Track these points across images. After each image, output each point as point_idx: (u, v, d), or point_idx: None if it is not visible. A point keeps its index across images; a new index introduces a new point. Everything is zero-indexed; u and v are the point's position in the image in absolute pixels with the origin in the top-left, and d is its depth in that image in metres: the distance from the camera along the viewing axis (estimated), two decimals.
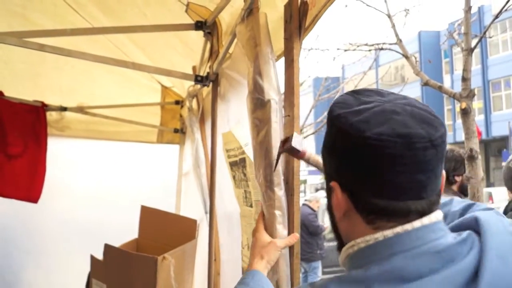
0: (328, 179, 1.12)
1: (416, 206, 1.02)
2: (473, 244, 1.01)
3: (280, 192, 1.68)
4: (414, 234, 1.02)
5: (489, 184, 28.39)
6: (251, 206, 2.16)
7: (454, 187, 3.80)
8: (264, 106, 1.73)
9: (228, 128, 2.49)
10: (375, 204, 1.03)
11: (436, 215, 1.05)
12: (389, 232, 1.02)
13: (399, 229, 1.02)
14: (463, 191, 3.89)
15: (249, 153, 2.03)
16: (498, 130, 28.44)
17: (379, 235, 1.03)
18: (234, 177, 2.46)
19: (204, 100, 3.30)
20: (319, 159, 1.60)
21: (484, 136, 28.56)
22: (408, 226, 1.02)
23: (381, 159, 1.00)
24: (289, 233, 1.68)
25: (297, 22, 1.74)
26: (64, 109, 4.13)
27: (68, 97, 4.08)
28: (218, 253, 3.16)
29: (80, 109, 4.15)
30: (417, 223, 1.02)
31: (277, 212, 1.67)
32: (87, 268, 3.41)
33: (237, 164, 2.34)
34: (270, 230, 1.65)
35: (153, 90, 4.24)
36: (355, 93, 1.13)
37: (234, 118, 2.44)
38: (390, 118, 1.02)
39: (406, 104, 1.05)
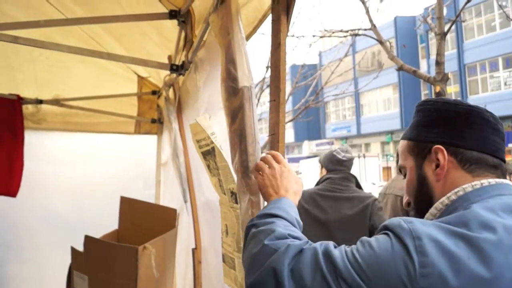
0: (427, 147, 1.40)
1: (501, 165, 1.37)
2: None
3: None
4: (510, 186, 1.33)
5: None
6: (224, 194, 2.18)
7: None
8: (237, 94, 1.75)
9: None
10: (478, 156, 1.35)
11: None
12: (492, 180, 1.33)
13: (499, 180, 1.34)
14: None
15: (217, 142, 2.05)
16: None
17: (485, 181, 1.32)
18: (208, 166, 2.47)
19: (180, 89, 3.30)
20: None
21: None
22: (504, 180, 1.34)
23: (481, 121, 1.37)
24: None
25: (285, 2, 1.72)
26: (40, 101, 4.09)
27: (44, 90, 4.05)
28: (199, 241, 3.18)
29: (56, 102, 4.12)
30: (508, 181, 1.34)
31: (253, 198, 1.70)
32: (68, 260, 3.41)
33: (210, 153, 2.35)
34: (246, 215, 1.68)
35: (129, 81, 4.22)
36: None
37: (203, 107, 2.45)
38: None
39: None
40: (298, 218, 1.47)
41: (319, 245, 1.25)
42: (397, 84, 35.92)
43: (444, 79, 4.98)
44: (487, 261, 1.10)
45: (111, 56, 3.16)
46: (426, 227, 1.15)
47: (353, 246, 1.22)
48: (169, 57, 3.24)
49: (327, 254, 1.21)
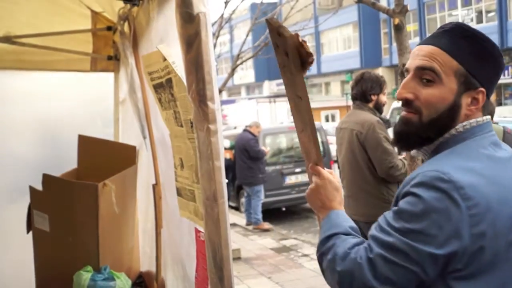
0: (476, 85, 1.52)
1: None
2: None
3: (213, 106, 1.70)
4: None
5: None
6: (181, 126, 2.17)
7: (370, 105, 4.46)
8: (193, 21, 1.71)
9: (151, 49, 2.44)
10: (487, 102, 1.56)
11: None
12: (486, 118, 1.54)
13: (490, 119, 1.56)
14: (378, 108, 4.51)
15: (178, 71, 2.02)
16: None
17: (486, 118, 1.54)
18: (160, 100, 2.44)
19: (135, 22, 3.20)
20: None
21: None
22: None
23: (501, 68, 1.57)
24: None
25: None
26: None
27: None
28: (159, 177, 3.18)
29: (7, 39, 3.95)
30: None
31: (211, 126, 1.69)
32: (28, 201, 3.38)
33: (163, 86, 2.32)
34: (204, 144, 1.68)
35: (83, 16, 4.06)
36: None
37: (157, 37, 2.39)
38: None
39: None
40: (352, 224, 1.56)
41: (372, 246, 1.40)
42: (357, 23, 35.87)
43: (403, 11, 4.94)
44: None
45: None
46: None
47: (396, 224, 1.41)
48: None
49: (385, 250, 1.37)
